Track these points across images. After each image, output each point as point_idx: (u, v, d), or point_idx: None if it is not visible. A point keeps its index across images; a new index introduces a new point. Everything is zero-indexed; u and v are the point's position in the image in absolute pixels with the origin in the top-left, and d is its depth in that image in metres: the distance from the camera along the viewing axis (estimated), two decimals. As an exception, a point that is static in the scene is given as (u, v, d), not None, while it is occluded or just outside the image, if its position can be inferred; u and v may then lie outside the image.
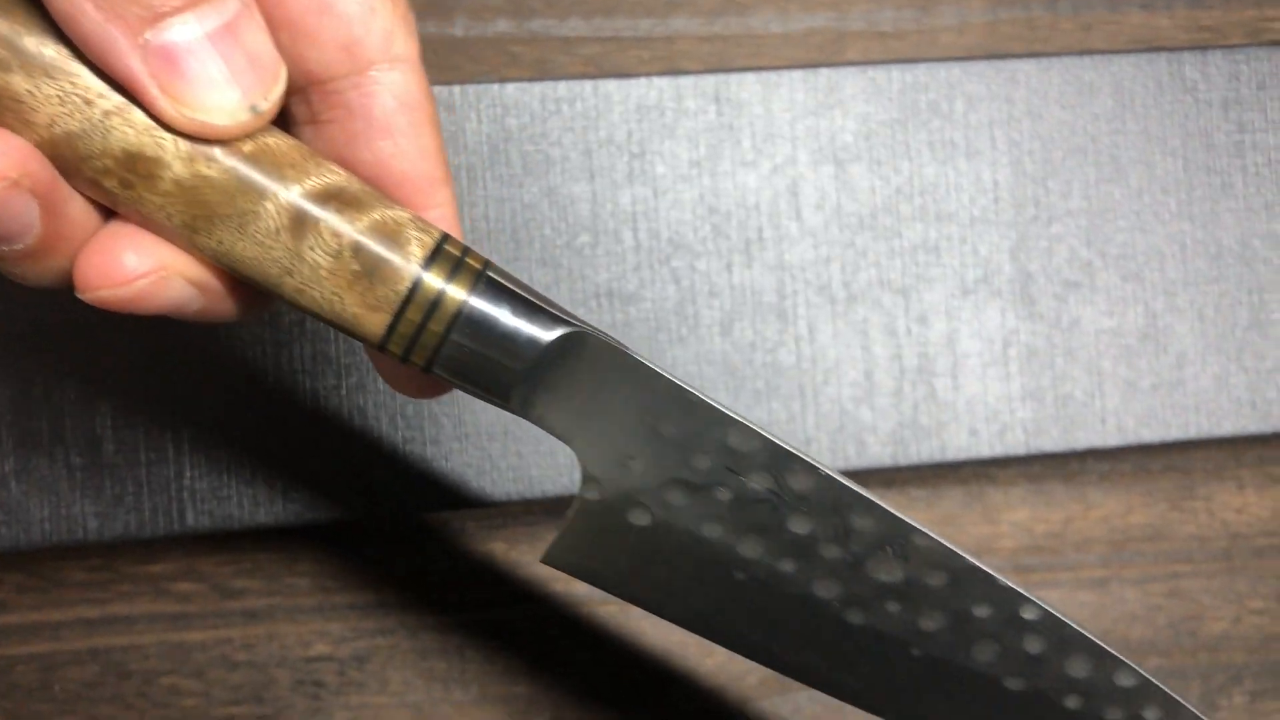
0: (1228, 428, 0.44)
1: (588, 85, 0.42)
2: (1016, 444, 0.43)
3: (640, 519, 0.32)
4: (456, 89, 0.41)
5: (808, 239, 0.43)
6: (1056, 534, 0.49)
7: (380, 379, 0.42)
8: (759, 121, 0.43)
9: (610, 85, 0.42)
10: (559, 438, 0.32)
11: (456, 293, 0.30)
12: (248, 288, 0.30)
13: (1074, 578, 0.49)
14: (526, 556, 0.47)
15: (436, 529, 0.46)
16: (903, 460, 0.43)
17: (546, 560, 0.33)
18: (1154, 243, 0.44)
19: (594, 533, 0.33)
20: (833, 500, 0.32)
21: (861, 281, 0.43)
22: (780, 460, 0.32)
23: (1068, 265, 0.44)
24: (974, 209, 0.43)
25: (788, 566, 0.32)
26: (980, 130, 0.43)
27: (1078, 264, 0.44)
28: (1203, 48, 0.45)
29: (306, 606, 0.46)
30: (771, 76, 0.43)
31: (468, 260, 0.30)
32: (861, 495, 0.32)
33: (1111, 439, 0.44)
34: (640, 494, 0.32)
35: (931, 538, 0.32)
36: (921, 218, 0.43)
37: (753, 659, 0.33)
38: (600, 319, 0.42)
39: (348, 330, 0.30)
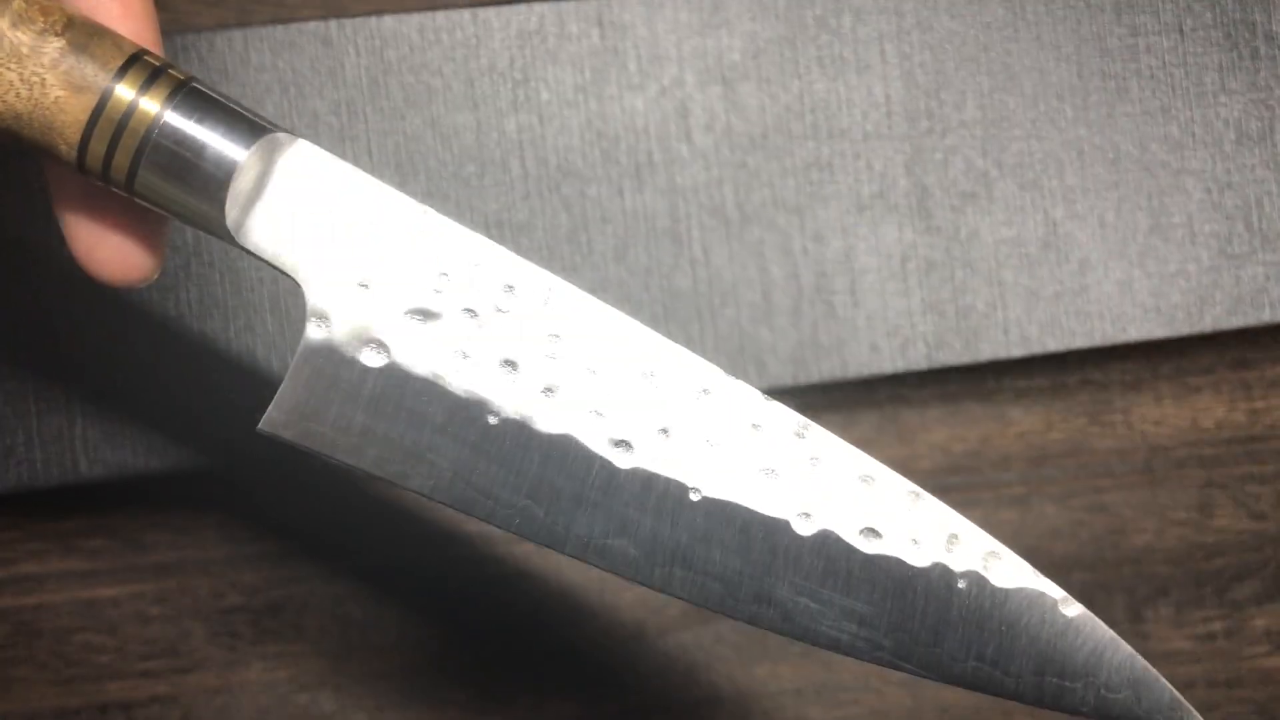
0: (1133, 333, 0.44)
1: (466, 14, 0.41)
2: (919, 358, 0.43)
3: (375, 359, 0.29)
4: (333, 23, 0.41)
5: (699, 161, 0.42)
6: (975, 453, 0.48)
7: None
8: (644, 44, 0.42)
9: (490, 13, 0.42)
10: (279, 269, 0.29)
11: (158, 94, 0.28)
12: None
13: (995, 496, 0.49)
14: (436, 496, 0.46)
15: (341, 471, 0.46)
16: (803, 379, 0.43)
17: (266, 426, 0.30)
18: (1051, 150, 0.44)
19: (322, 384, 0.29)
20: (581, 315, 0.30)
21: (755, 202, 0.43)
22: (525, 277, 0.30)
23: (964, 177, 0.43)
24: (866, 124, 0.43)
25: (544, 397, 0.30)
26: (870, 44, 0.43)
27: (974, 175, 0.43)
28: (1093, -48, 0.44)
29: (218, 558, 0.46)
30: (655, -2, 0.42)
31: (171, 70, 0.29)
32: (609, 308, 0.30)
33: (1015, 349, 0.43)
34: (372, 328, 0.29)
35: (690, 353, 0.30)
36: (813, 135, 0.43)
37: (519, 533, 0.30)
38: (491, 250, 0.42)
39: (43, 131, 0.28)
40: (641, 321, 0.42)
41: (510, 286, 0.30)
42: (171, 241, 0.41)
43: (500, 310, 0.30)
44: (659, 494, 0.30)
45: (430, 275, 0.30)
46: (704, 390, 0.30)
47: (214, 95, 0.29)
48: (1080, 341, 0.44)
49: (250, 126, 0.29)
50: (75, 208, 0.31)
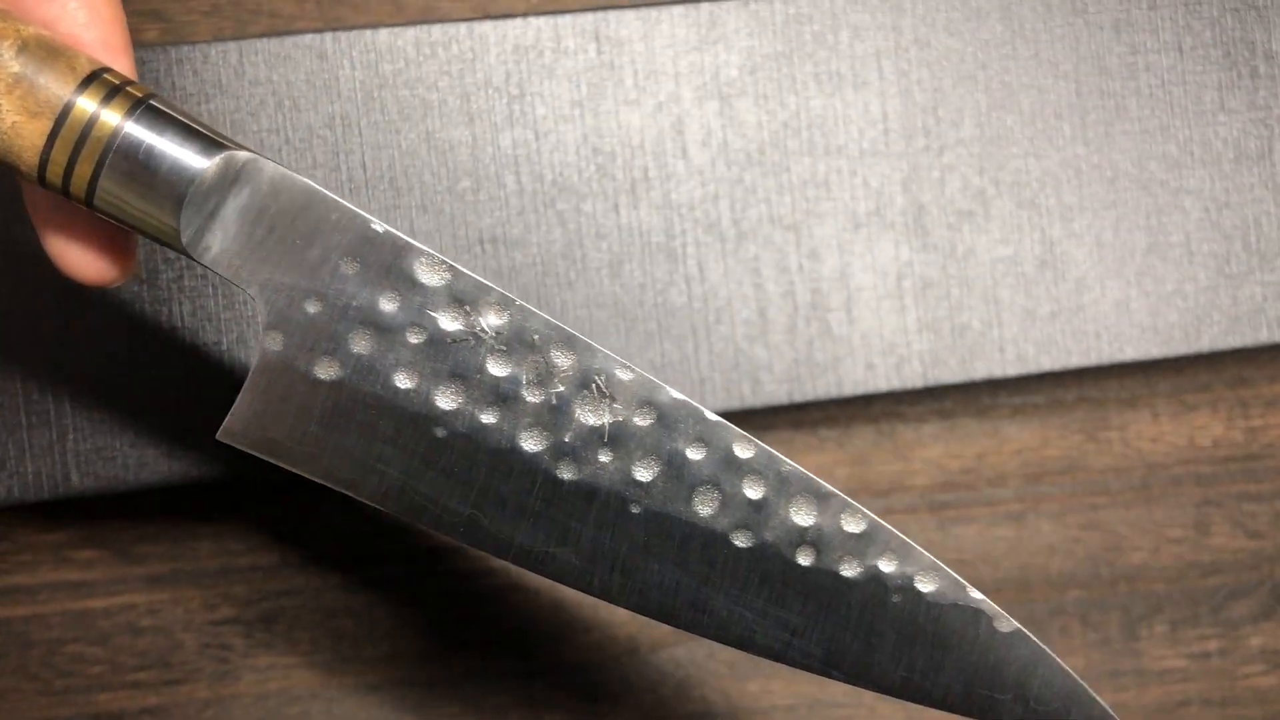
0: (1130, 353, 0.44)
1: (463, 27, 0.41)
2: (914, 376, 0.43)
3: (328, 371, 0.30)
4: (329, 36, 0.41)
5: (695, 177, 0.42)
6: (970, 469, 0.48)
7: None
8: (640, 59, 0.42)
9: (486, 27, 0.41)
10: (235, 282, 0.30)
11: (116, 111, 0.29)
12: None
13: (990, 513, 0.48)
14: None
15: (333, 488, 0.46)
16: (798, 397, 0.42)
17: (224, 435, 0.30)
18: (1048, 168, 0.43)
19: (278, 394, 0.30)
20: (531, 336, 0.31)
21: (751, 218, 0.42)
22: (472, 293, 0.30)
23: (961, 194, 0.43)
24: (863, 141, 0.43)
25: (490, 416, 0.30)
26: (867, 61, 0.43)
27: (971, 193, 0.43)
28: (1093, -31, 0.44)
29: (210, 569, 0.46)
30: (652, 13, 0.42)
31: (129, 88, 0.29)
32: (561, 328, 0.31)
33: (1011, 369, 0.43)
34: (326, 341, 0.30)
35: (635, 370, 0.31)
36: (810, 152, 0.43)
37: (465, 541, 0.30)
38: (485, 265, 0.41)
39: (2, 153, 0.29)
40: (636, 339, 0.42)
41: (463, 302, 0.31)
42: (164, 254, 0.41)
43: (452, 325, 0.31)
44: (600, 505, 0.31)
45: (384, 291, 0.30)
46: (648, 404, 0.31)
47: (172, 112, 0.30)
48: (1076, 361, 0.44)
49: (207, 143, 0.29)
50: (45, 214, 0.31)
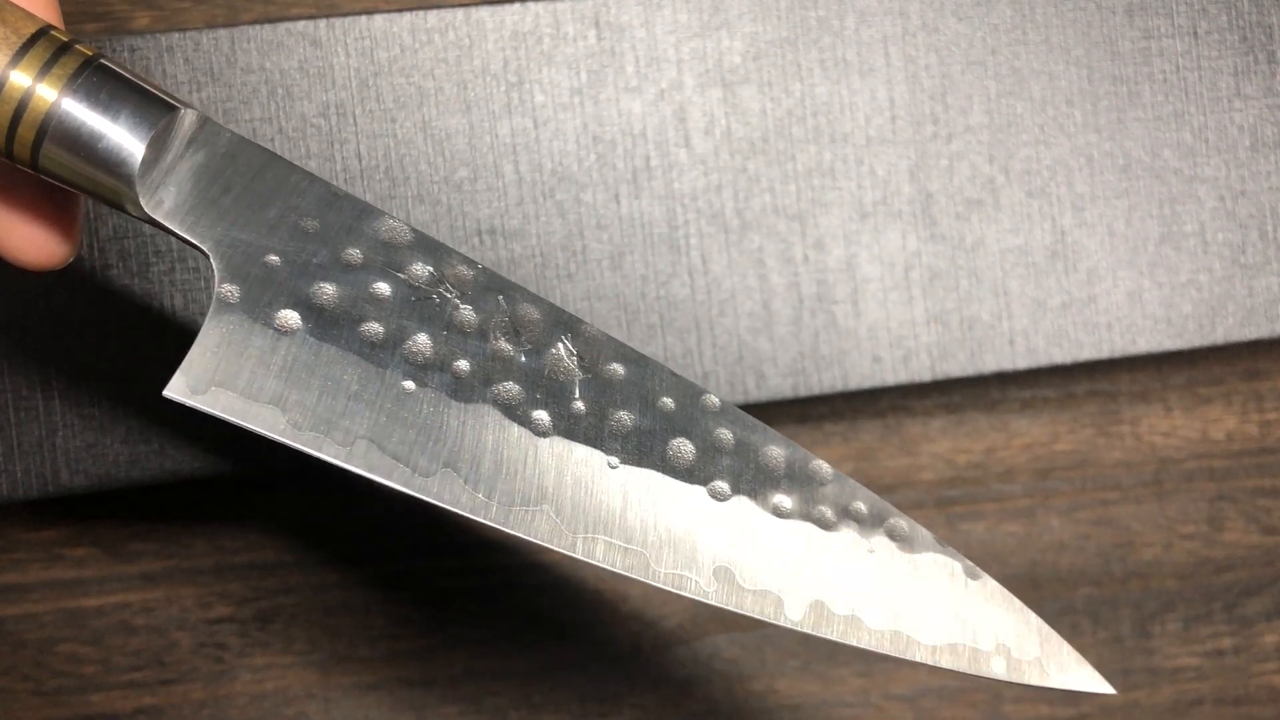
0: (1142, 345, 0.43)
1: (460, 13, 0.40)
2: (922, 369, 0.42)
3: (288, 322, 0.29)
4: (322, 22, 0.40)
5: (698, 166, 0.41)
6: (979, 464, 0.47)
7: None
8: (641, 45, 0.41)
9: (483, 13, 0.40)
10: (189, 240, 0.29)
11: (65, 68, 0.28)
12: None
13: (999, 509, 0.47)
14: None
15: (331, 480, 0.45)
16: (804, 391, 0.42)
17: (172, 392, 0.29)
18: (1059, 156, 0.42)
19: (235, 348, 0.29)
20: (496, 291, 0.30)
21: (755, 208, 0.41)
22: (438, 251, 0.30)
23: (970, 183, 0.42)
24: (870, 129, 0.42)
25: (462, 366, 0.29)
26: (873, 46, 0.42)
27: (980, 181, 0.42)
28: (1104, -48, 0.43)
29: (205, 567, 0.45)
30: (653, -2, 0.41)
31: (78, 46, 0.29)
32: (523, 288, 0.30)
33: (1021, 361, 0.42)
34: (286, 295, 0.29)
35: (596, 329, 0.31)
36: (815, 140, 0.42)
37: (438, 500, 0.29)
38: (483, 257, 0.41)
39: None
40: (638, 332, 0.41)
41: (429, 258, 0.30)
42: (155, 246, 0.40)
43: (418, 278, 0.30)
44: (578, 463, 0.30)
45: (346, 247, 0.30)
46: (620, 364, 0.31)
47: (122, 72, 0.29)
48: (1088, 353, 0.43)
49: (157, 103, 0.29)
50: None
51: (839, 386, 0.42)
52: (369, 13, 0.40)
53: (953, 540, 0.47)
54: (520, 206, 0.41)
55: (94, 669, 0.45)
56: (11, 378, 0.40)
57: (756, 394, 0.41)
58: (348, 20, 0.40)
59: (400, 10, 0.40)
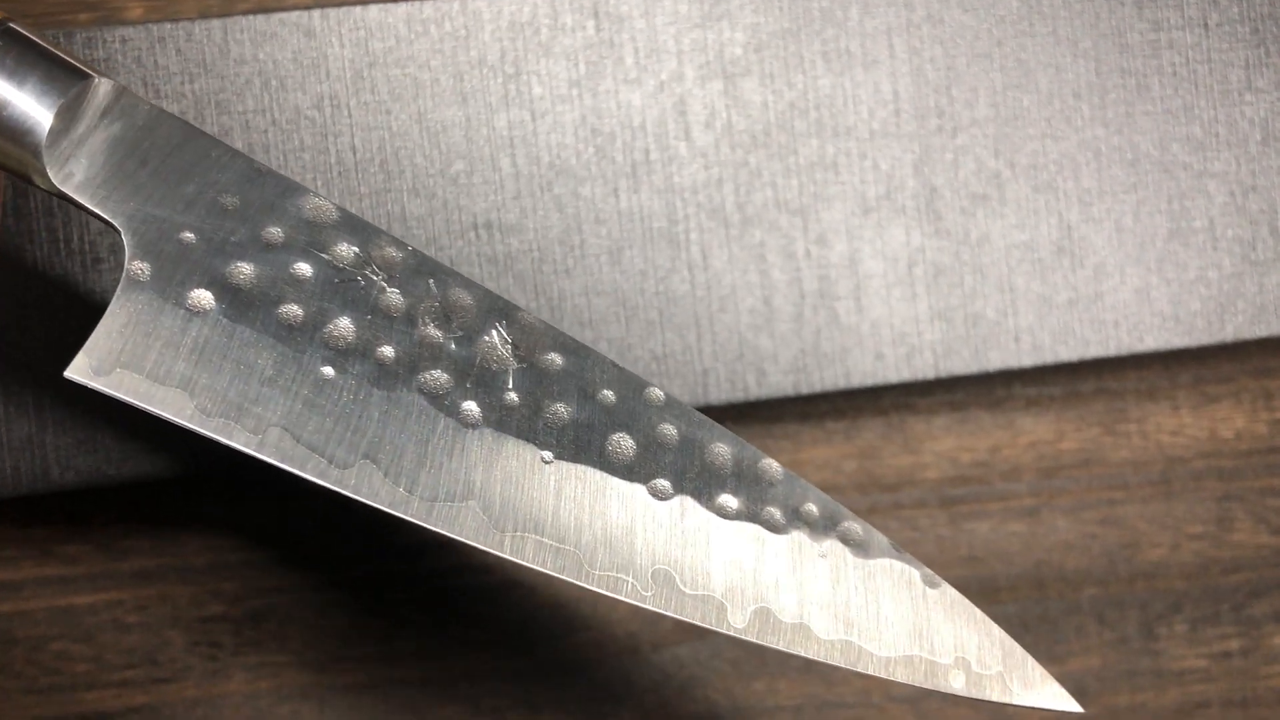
0: (1150, 342, 0.42)
1: (455, 4, 0.40)
2: (925, 367, 0.41)
3: (201, 303, 0.28)
4: (316, 13, 0.39)
5: (698, 159, 0.41)
6: (983, 463, 0.47)
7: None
8: (641, 36, 0.40)
9: (480, 3, 0.40)
10: (100, 211, 0.27)
11: None
12: None
13: (1003, 508, 0.47)
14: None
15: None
16: (805, 389, 0.41)
17: (74, 372, 0.28)
18: (1067, 151, 0.42)
19: (142, 328, 0.28)
20: (427, 275, 0.28)
21: (756, 203, 0.41)
22: (364, 231, 0.28)
23: (975, 178, 0.41)
24: (873, 122, 0.41)
25: (385, 352, 0.28)
26: (877, 38, 0.41)
27: (985, 176, 0.42)
28: (1113, -58, 0.42)
29: (198, 565, 0.45)
30: (653, -11, 0.40)
31: None
32: (456, 273, 0.29)
33: (1027, 359, 0.42)
34: (200, 274, 0.28)
35: (534, 316, 0.29)
36: (818, 133, 0.41)
37: (355, 494, 0.28)
38: (479, 252, 0.40)
39: None
40: (636, 328, 0.41)
41: (354, 239, 0.28)
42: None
43: (342, 260, 0.28)
44: (509, 457, 0.28)
45: (267, 225, 0.28)
46: (559, 354, 0.29)
47: (32, 37, 0.28)
48: (1095, 351, 0.42)
49: (69, 70, 0.28)
50: None
51: (841, 384, 0.41)
52: (363, 3, 0.40)
53: (957, 539, 0.47)
54: (517, 200, 0.40)
55: (86, 667, 0.44)
56: (1, 373, 0.39)
57: (757, 391, 0.41)
58: (342, 11, 0.39)
59: (395, 0, 0.40)
